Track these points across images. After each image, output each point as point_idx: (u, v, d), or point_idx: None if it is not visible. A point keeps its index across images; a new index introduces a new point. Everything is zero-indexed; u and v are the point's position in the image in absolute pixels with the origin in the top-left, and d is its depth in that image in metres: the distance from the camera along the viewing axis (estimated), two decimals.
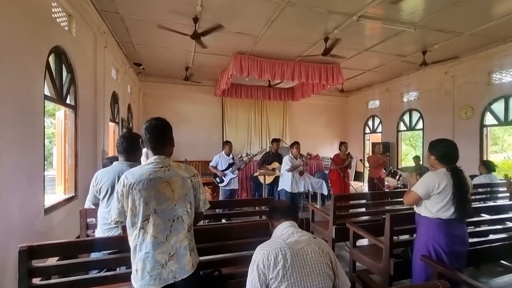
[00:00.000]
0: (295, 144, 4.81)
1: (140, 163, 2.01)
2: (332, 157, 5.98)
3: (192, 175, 1.52)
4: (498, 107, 5.50)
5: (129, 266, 1.54)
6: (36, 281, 1.56)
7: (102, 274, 1.75)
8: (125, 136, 2.11)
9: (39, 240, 1.67)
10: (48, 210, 2.92)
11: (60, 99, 3.32)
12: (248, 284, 1.30)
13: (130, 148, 2.03)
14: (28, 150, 2.58)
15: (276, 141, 5.56)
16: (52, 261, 1.73)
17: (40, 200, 2.80)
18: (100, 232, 2.00)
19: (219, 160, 4.99)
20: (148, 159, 1.50)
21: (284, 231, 1.39)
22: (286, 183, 4.70)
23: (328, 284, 1.27)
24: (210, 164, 5.06)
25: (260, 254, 1.28)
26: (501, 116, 5.43)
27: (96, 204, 2.05)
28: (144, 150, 4.62)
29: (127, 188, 1.39)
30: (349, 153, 5.66)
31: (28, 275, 1.51)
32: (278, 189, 4.96)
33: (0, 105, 2.15)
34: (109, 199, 1.94)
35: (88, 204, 2.15)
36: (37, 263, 1.58)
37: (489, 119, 5.67)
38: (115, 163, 2.06)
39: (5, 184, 2.21)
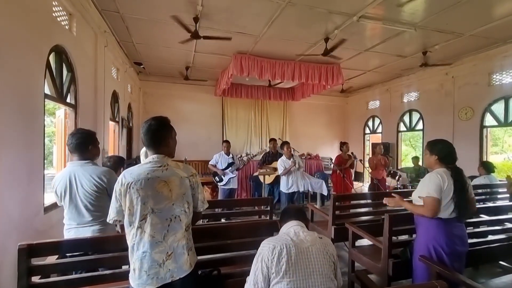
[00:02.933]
0: (285, 144, 4.75)
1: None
2: (332, 158, 5.98)
3: (190, 175, 1.51)
4: (498, 108, 5.50)
5: (126, 264, 1.54)
6: (35, 279, 1.57)
7: (101, 272, 1.76)
8: (74, 133, 2.03)
9: (38, 239, 1.67)
10: (47, 209, 2.92)
11: (60, 98, 3.32)
12: (251, 275, 1.31)
13: (81, 146, 1.97)
14: (28, 148, 2.58)
15: (272, 140, 5.59)
16: (51, 259, 1.73)
17: (40, 199, 2.80)
18: (64, 232, 2.01)
19: (219, 159, 5.00)
20: (145, 157, 1.50)
21: (291, 229, 1.40)
22: (283, 185, 4.71)
23: (330, 286, 1.27)
24: (210, 162, 5.07)
25: (266, 248, 1.29)
26: (501, 117, 5.43)
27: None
28: (142, 151, 4.62)
29: (125, 188, 1.39)
30: (352, 153, 5.65)
31: (27, 273, 1.51)
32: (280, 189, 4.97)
33: (1, 103, 2.15)
34: (64, 200, 1.94)
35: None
36: (36, 261, 1.58)
37: (489, 120, 5.67)
38: (68, 163, 2.03)
39: (5, 183, 2.21)
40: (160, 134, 1.50)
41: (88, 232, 1.94)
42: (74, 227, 1.95)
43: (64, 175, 1.96)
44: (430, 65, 5.50)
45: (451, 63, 5.76)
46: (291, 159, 4.62)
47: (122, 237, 1.49)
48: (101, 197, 1.96)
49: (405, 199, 2.20)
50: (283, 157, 4.72)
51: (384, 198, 2.32)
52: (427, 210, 1.93)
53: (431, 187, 1.92)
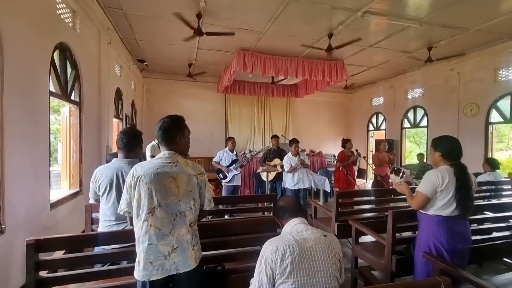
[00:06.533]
0: (293, 142, 4.72)
1: (139, 160, 2.02)
2: (336, 154, 5.95)
3: (198, 173, 1.54)
4: (504, 104, 5.43)
5: (133, 260, 1.57)
6: (43, 273, 1.59)
7: (107, 267, 1.78)
8: (125, 131, 2.08)
9: (45, 234, 1.70)
10: (53, 205, 2.97)
11: (65, 95, 3.35)
12: (255, 277, 1.31)
13: (130, 144, 2.01)
14: (34, 145, 2.61)
15: (275, 137, 5.56)
16: (59, 254, 1.76)
17: (46, 195, 2.84)
18: (101, 229, 2.01)
19: (223, 156, 5.00)
20: (150, 154, 1.53)
21: (294, 228, 1.38)
22: (288, 182, 4.72)
23: (334, 285, 1.26)
24: (214, 159, 5.08)
25: (269, 249, 1.27)
26: (507, 113, 5.36)
27: (97, 200, 2.05)
28: (148, 146, 4.63)
29: (135, 180, 1.44)
30: (356, 150, 5.63)
31: (35, 268, 1.54)
32: (283, 186, 4.97)
33: (7, 101, 2.18)
34: (108, 196, 1.95)
35: (91, 200, 2.16)
36: (43, 256, 1.61)
37: (494, 116, 5.60)
38: (114, 160, 2.04)
39: (12, 179, 2.25)
40: (171, 132, 1.54)
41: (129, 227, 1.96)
42: (116, 224, 1.96)
43: (110, 170, 1.97)
44: (438, 58, 5.41)
45: (463, 53, 5.57)
46: (297, 157, 4.63)
47: (130, 232, 1.52)
48: None
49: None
50: (289, 154, 4.73)
51: (395, 184, 2.40)
52: (413, 203, 2.03)
53: (426, 184, 1.95)
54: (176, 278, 1.45)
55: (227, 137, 7.16)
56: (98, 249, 1.90)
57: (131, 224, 1.51)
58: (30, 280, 1.52)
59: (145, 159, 4.59)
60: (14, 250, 2.24)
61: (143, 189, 1.42)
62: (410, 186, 2.27)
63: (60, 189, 3.66)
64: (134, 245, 1.47)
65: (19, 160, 2.37)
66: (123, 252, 1.73)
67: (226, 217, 3.92)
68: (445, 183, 1.89)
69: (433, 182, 1.92)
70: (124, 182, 1.90)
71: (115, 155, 2.80)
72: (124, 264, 1.80)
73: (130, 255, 1.58)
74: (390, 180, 6.13)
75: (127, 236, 1.65)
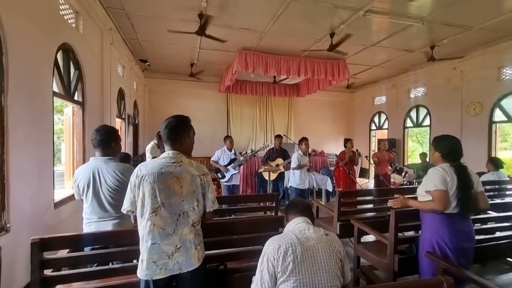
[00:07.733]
0: (304, 140, 4.74)
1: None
2: (337, 154, 5.96)
3: (202, 174, 1.55)
4: (508, 103, 5.39)
5: (136, 259, 1.58)
6: (47, 272, 1.61)
7: (111, 266, 1.80)
8: (98, 129, 2.07)
9: (48, 233, 1.71)
10: (57, 204, 2.99)
11: (68, 95, 3.37)
12: (257, 274, 1.31)
13: (104, 142, 2.00)
14: (38, 145, 2.63)
15: (278, 137, 5.56)
16: (63, 253, 1.78)
17: (49, 195, 2.86)
18: (83, 226, 2.03)
19: (221, 155, 4.98)
20: (151, 155, 1.54)
21: (296, 227, 1.39)
22: (294, 180, 4.70)
23: (337, 284, 1.27)
24: (212, 158, 5.06)
25: (271, 247, 1.28)
26: (511, 112, 5.33)
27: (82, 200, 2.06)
28: (148, 147, 4.60)
29: (139, 180, 1.45)
30: (357, 150, 5.63)
31: (40, 266, 1.56)
32: (287, 185, 4.97)
33: (11, 101, 2.20)
34: (87, 195, 1.97)
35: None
36: (48, 255, 1.63)
37: (498, 115, 5.56)
38: (91, 158, 2.05)
39: (17, 179, 2.27)
40: (177, 132, 1.55)
41: (108, 225, 1.98)
42: (95, 221, 1.98)
43: (87, 169, 1.99)
44: (440, 58, 5.39)
45: (463, 56, 5.61)
46: (307, 157, 4.66)
47: (133, 231, 1.53)
48: (122, 193, 1.98)
49: (409, 196, 2.18)
50: (300, 152, 4.73)
51: (389, 201, 2.27)
52: (437, 204, 1.89)
53: (437, 180, 1.89)
54: (180, 277, 1.46)
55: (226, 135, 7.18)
56: (86, 249, 1.90)
57: (135, 223, 1.52)
58: (35, 278, 1.54)
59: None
60: (19, 248, 2.26)
61: (147, 189, 1.44)
62: (410, 186, 2.25)
63: (63, 189, 3.69)
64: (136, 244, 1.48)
65: (23, 160, 2.39)
66: (126, 251, 1.74)
67: (228, 216, 3.92)
68: (449, 179, 1.89)
69: (442, 176, 1.89)
70: (101, 180, 1.95)
71: (123, 155, 2.82)
72: (128, 263, 1.81)
73: (134, 254, 1.59)
74: (392, 180, 6.11)
75: (130, 235, 1.66)
